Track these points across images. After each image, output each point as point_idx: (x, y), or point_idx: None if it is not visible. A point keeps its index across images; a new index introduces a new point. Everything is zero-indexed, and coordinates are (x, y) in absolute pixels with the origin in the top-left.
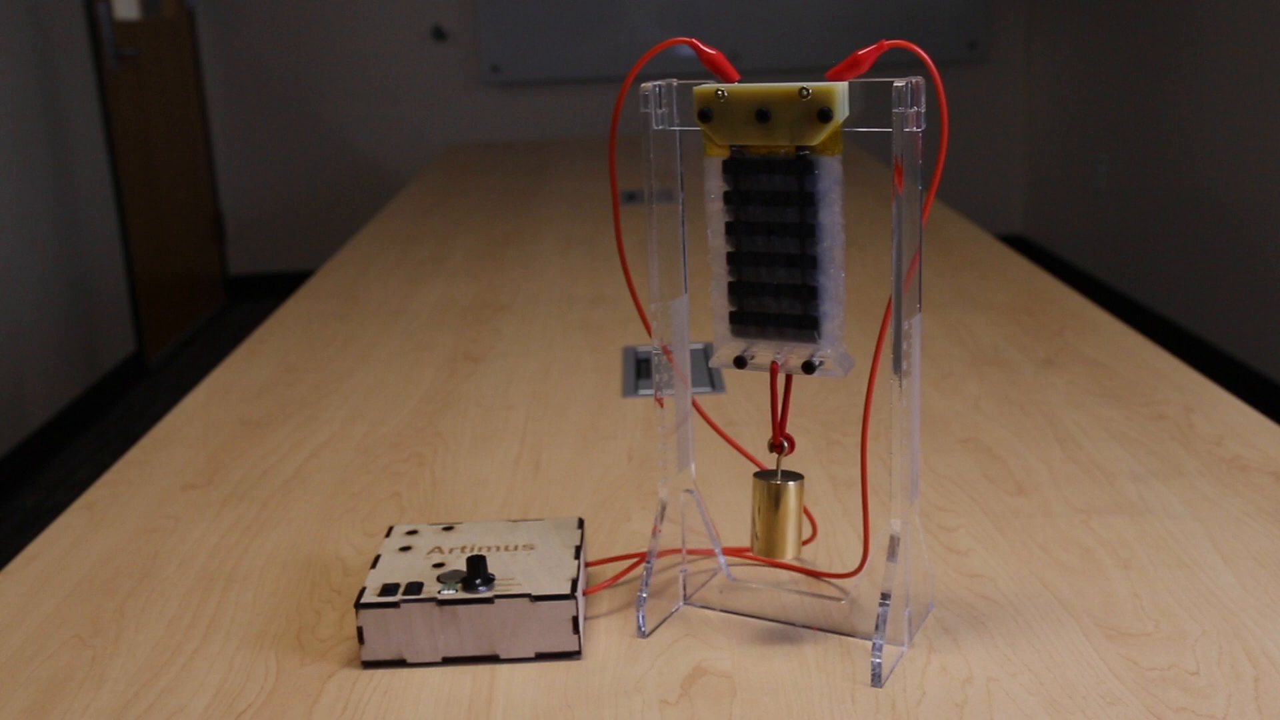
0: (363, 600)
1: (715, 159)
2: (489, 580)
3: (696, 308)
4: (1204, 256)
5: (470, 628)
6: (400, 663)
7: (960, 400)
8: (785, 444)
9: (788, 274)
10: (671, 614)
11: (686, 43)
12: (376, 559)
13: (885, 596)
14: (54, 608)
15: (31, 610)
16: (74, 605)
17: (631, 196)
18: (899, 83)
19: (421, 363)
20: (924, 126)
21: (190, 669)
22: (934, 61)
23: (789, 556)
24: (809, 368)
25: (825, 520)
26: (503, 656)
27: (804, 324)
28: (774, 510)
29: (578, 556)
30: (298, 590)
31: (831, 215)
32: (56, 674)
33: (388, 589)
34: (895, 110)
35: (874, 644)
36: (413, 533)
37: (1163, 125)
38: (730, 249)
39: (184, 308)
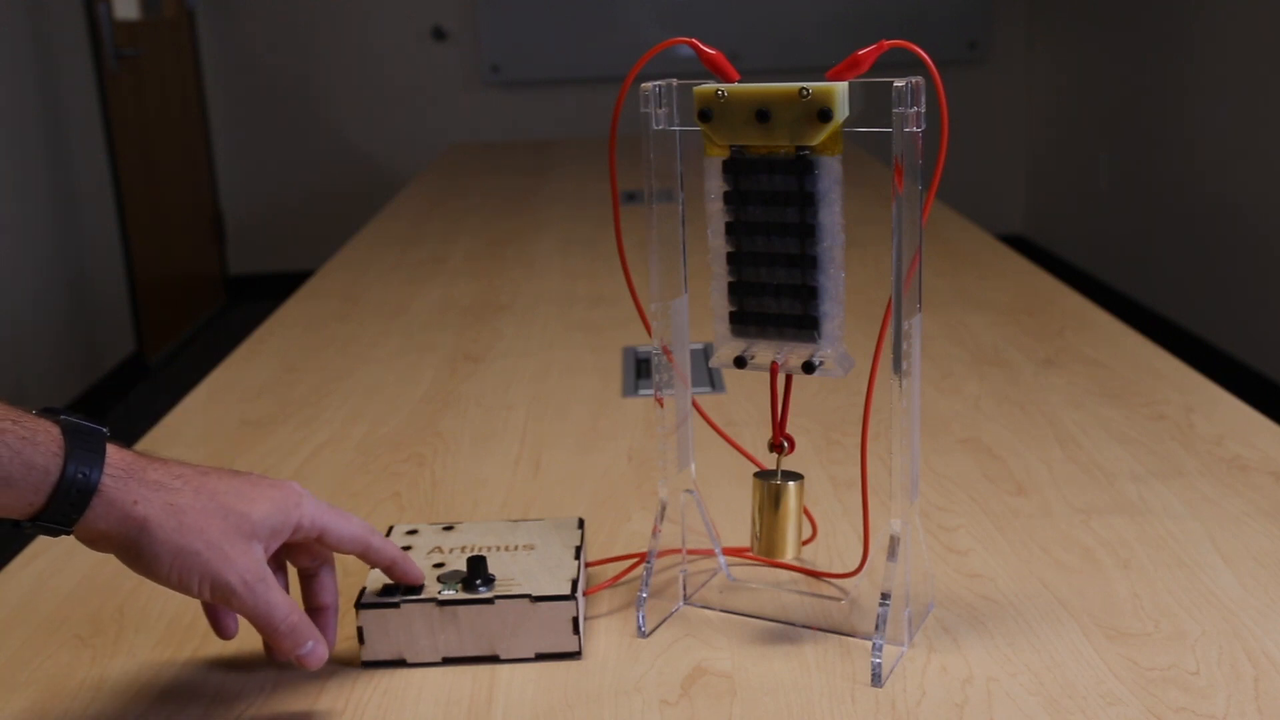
0: (363, 600)
1: (715, 159)
2: (489, 580)
3: (696, 308)
4: (1204, 256)
5: (470, 628)
6: (400, 663)
7: (960, 400)
8: (785, 444)
9: (788, 274)
10: (671, 614)
11: (686, 43)
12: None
13: (885, 596)
14: (54, 608)
15: (31, 610)
16: (74, 605)
17: (631, 196)
18: (899, 83)
19: (421, 363)
20: (924, 126)
21: (190, 669)
22: (934, 61)
23: (789, 556)
24: (809, 368)
25: (825, 520)
26: (503, 657)
27: (804, 324)
28: (774, 510)
29: (578, 557)
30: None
31: (831, 215)
32: (56, 674)
33: (388, 589)
34: (895, 110)
35: (874, 644)
36: (413, 533)
37: (1163, 125)
38: (730, 249)
39: (184, 308)
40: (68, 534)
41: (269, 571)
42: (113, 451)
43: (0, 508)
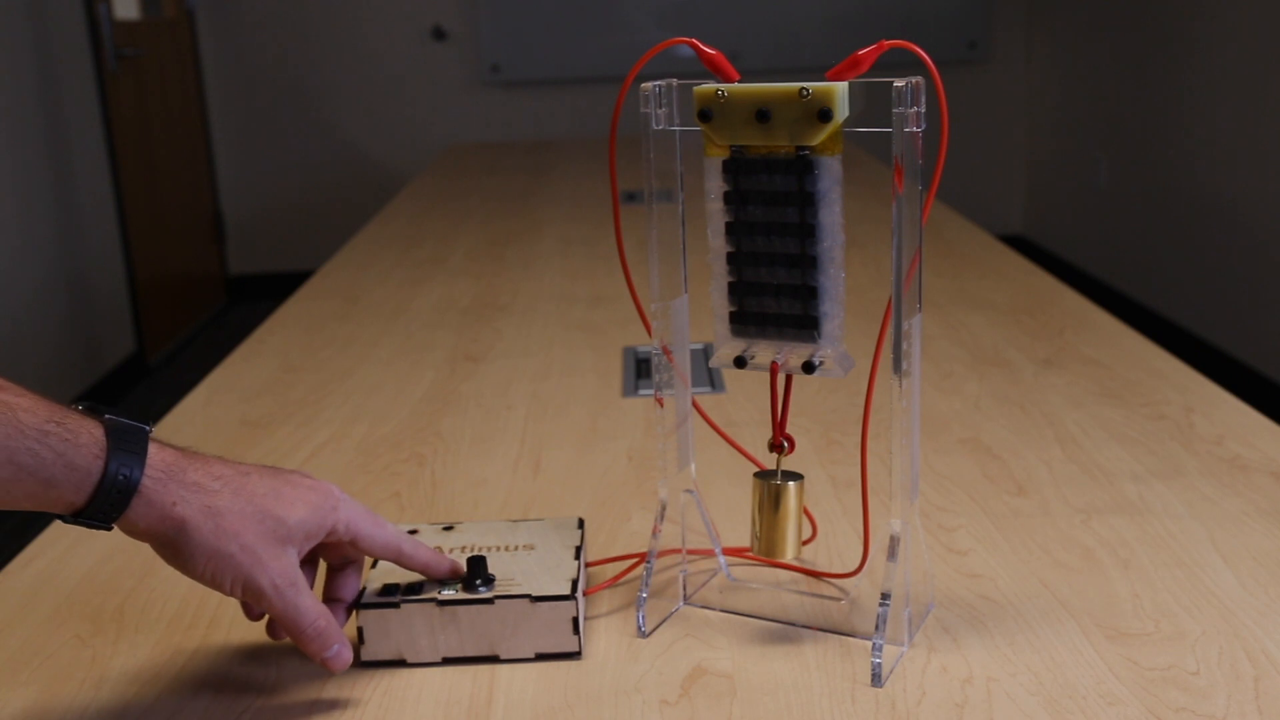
0: (363, 600)
1: (715, 159)
2: (489, 580)
3: (696, 308)
4: (1204, 256)
5: (470, 628)
6: (400, 663)
7: (960, 400)
8: (785, 444)
9: (788, 274)
10: (671, 614)
11: (686, 43)
12: (377, 559)
13: (885, 596)
14: (54, 608)
15: (31, 610)
16: (74, 605)
17: (631, 196)
18: (899, 83)
19: (421, 363)
20: (924, 126)
21: (190, 669)
22: (934, 61)
23: (789, 556)
24: (809, 368)
25: (825, 520)
26: (503, 657)
27: (804, 324)
28: (774, 510)
29: (578, 557)
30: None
31: (831, 215)
32: (56, 674)
33: (388, 589)
34: (895, 110)
35: (874, 644)
36: (413, 532)
37: (1163, 125)
38: (730, 249)
39: (184, 308)
40: (108, 530)
41: (300, 575)
42: (154, 451)
43: (43, 504)
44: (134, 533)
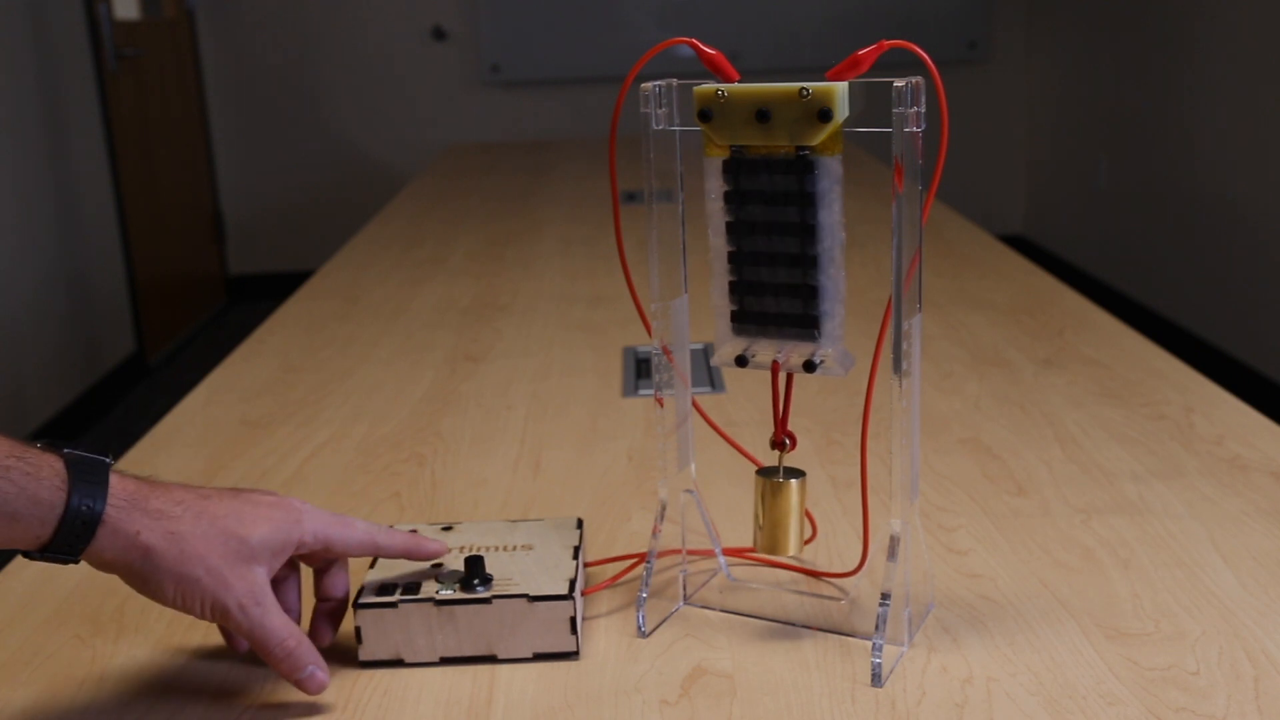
0: (361, 600)
1: (715, 159)
2: (487, 580)
3: (696, 308)
4: (1204, 256)
5: (468, 628)
6: (398, 663)
7: (960, 400)
8: (787, 441)
9: (788, 273)
10: (671, 614)
11: (686, 43)
12: (375, 559)
13: (885, 596)
14: (54, 608)
15: (31, 610)
16: (74, 605)
17: (631, 196)
18: (899, 83)
19: (421, 363)
20: (924, 126)
21: (190, 669)
22: (934, 61)
23: (790, 553)
24: (809, 366)
25: (825, 520)
26: (500, 656)
27: (804, 323)
28: (776, 507)
29: (576, 557)
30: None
31: (831, 215)
32: (56, 674)
33: (386, 589)
34: (895, 110)
35: (874, 644)
36: (412, 532)
37: (1163, 125)
38: (730, 248)
39: (184, 308)
40: (74, 563)
41: (268, 594)
42: (115, 481)
43: (8, 541)
44: (101, 564)
